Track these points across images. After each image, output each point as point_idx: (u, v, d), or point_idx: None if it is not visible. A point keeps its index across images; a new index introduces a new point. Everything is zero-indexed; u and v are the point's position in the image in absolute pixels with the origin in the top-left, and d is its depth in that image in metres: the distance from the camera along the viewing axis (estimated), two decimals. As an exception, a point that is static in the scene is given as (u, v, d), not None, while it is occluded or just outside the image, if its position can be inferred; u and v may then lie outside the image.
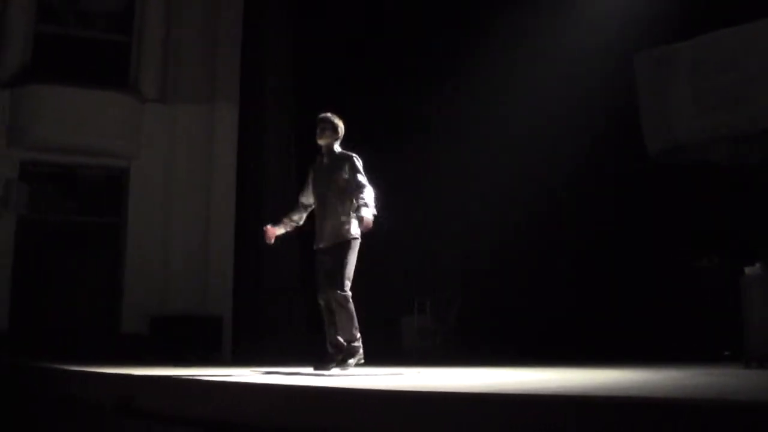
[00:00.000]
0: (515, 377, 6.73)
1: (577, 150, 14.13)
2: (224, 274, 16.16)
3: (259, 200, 16.46)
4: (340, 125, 7.88)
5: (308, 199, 7.94)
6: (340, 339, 7.46)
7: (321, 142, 7.87)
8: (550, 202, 14.80)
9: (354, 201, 7.51)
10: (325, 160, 7.87)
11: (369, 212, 7.36)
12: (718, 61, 11.45)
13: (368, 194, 7.48)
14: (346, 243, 7.58)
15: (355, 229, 7.60)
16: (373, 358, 7.74)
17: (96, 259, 16.04)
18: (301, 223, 8.06)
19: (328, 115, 7.92)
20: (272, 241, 7.90)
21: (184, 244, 16.10)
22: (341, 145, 7.93)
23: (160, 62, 16.56)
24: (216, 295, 15.98)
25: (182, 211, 16.23)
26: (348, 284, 7.45)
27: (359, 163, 7.71)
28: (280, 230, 7.96)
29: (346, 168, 7.67)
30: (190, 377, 6.82)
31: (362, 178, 7.61)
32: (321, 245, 7.70)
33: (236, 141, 16.65)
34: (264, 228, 7.97)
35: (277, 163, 16.53)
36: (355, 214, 7.47)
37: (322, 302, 7.56)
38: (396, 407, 4.36)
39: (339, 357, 7.41)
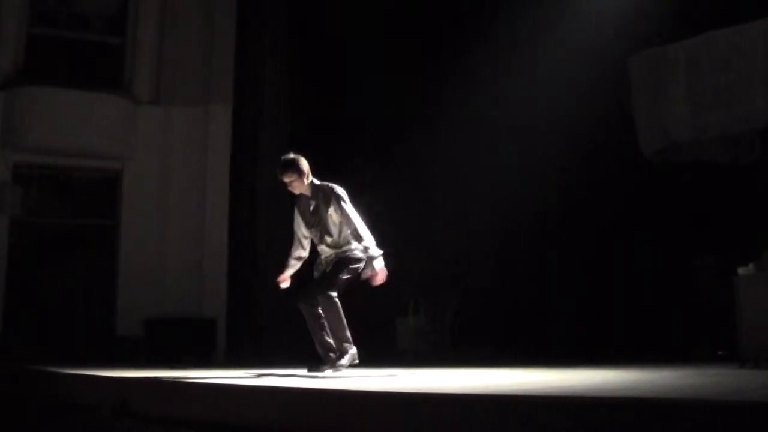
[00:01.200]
0: (510, 378, 6.73)
1: (571, 151, 14.13)
2: (218, 277, 16.14)
3: (254, 203, 16.43)
4: (302, 163, 7.52)
5: (303, 231, 7.71)
6: (329, 340, 7.43)
7: (296, 191, 7.62)
8: (546, 202, 14.79)
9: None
10: (312, 201, 7.61)
11: (380, 262, 7.37)
12: (712, 62, 11.49)
13: (368, 239, 7.39)
14: (349, 259, 7.50)
15: (357, 249, 7.51)
16: (367, 360, 7.73)
17: (90, 261, 16.01)
18: (306, 255, 7.80)
19: (286, 163, 7.53)
20: (287, 283, 7.73)
21: (178, 247, 16.08)
22: (314, 174, 7.69)
23: (154, 64, 16.55)
24: (210, 298, 15.96)
25: (176, 213, 16.21)
26: (335, 290, 7.37)
27: (343, 196, 7.52)
28: (290, 272, 7.74)
29: (332, 201, 7.49)
30: (185, 379, 6.81)
31: (353, 217, 7.44)
32: (321, 257, 7.67)
33: (230, 143, 16.62)
34: (277, 281, 7.78)
35: (272, 165, 16.43)
36: (368, 271, 7.43)
37: (303, 308, 7.48)
38: (390, 409, 4.35)
39: (332, 358, 7.39)
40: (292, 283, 7.77)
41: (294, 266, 7.80)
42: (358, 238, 7.39)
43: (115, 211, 16.24)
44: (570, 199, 14.47)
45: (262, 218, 16.10)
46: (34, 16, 16.04)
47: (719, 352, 10.57)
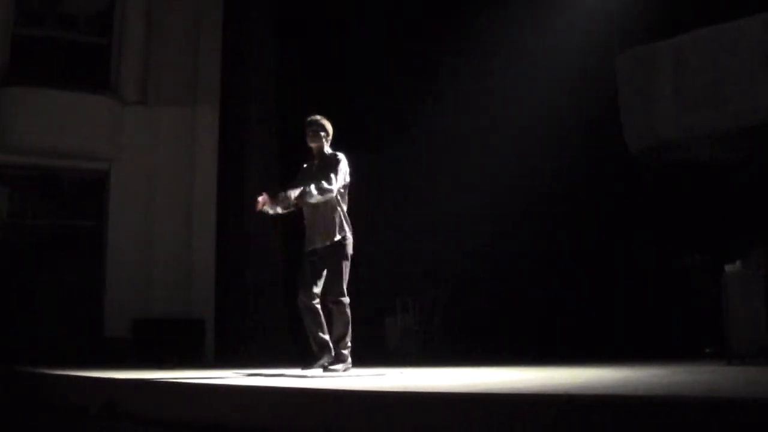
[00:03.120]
0: (498, 377, 6.73)
1: (558, 150, 14.16)
2: (206, 277, 16.11)
3: (242, 203, 16.40)
4: (329, 127, 7.87)
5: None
6: (324, 336, 7.46)
7: (311, 144, 7.85)
8: (534, 201, 14.81)
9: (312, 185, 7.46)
10: (316, 161, 7.86)
11: (294, 196, 7.47)
12: (699, 60, 11.51)
13: (318, 189, 7.42)
14: (338, 245, 7.58)
15: (347, 231, 7.64)
16: (356, 359, 7.74)
17: (77, 262, 15.94)
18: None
19: (317, 117, 7.89)
20: (259, 206, 7.70)
21: (166, 247, 16.04)
22: (331, 146, 7.91)
23: (141, 64, 16.49)
24: (198, 298, 15.93)
25: (164, 213, 16.17)
26: (345, 294, 7.51)
27: (341, 164, 7.66)
28: (268, 208, 7.70)
29: (328, 165, 7.66)
30: (174, 380, 6.80)
31: (332, 176, 7.52)
32: (312, 247, 7.68)
33: (218, 143, 16.60)
34: (261, 193, 7.80)
35: (259, 165, 16.48)
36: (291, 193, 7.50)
37: (302, 301, 7.52)
38: (379, 408, 4.35)
39: (326, 358, 7.42)
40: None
41: (282, 202, 7.68)
42: (317, 182, 7.46)
43: (103, 211, 16.19)
44: (558, 198, 14.50)
45: (249, 218, 16.07)
46: (19, 17, 15.96)
47: (707, 350, 10.60)
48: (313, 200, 7.44)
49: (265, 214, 7.96)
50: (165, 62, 16.54)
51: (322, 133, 7.81)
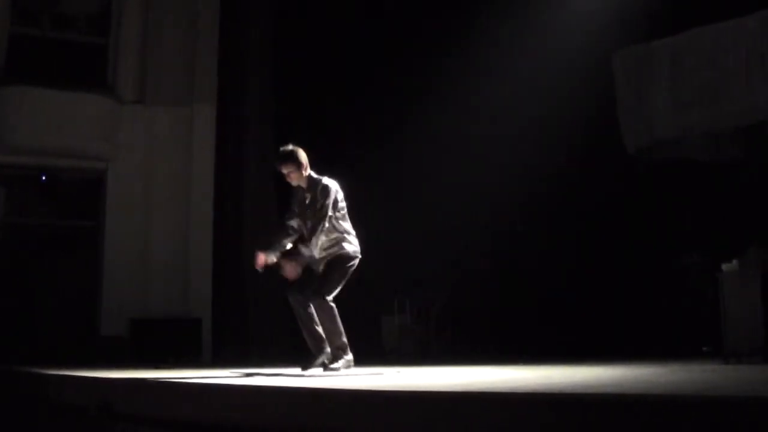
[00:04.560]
0: (495, 376, 6.74)
1: (556, 149, 14.16)
2: (204, 276, 16.09)
3: (239, 202, 16.41)
4: (301, 156, 7.57)
5: (297, 223, 7.70)
6: (318, 328, 7.43)
7: (294, 183, 7.65)
8: (532, 201, 14.82)
9: (302, 242, 7.40)
10: (308, 194, 7.63)
11: (303, 259, 7.32)
12: (696, 59, 11.52)
13: (314, 244, 7.35)
14: (342, 256, 7.54)
15: (348, 247, 7.58)
16: (353, 358, 7.73)
17: (75, 261, 15.95)
18: (298, 229, 7.74)
19: (285, 154, 7.58)
20: (261, 269, 7.60)
21: (163, 246, 16.04)
22: (312, 168, 7.71)
23: (138, 64, 16.49)
24: (196, 298, 15.92)
25: (161, 213, 16.16)
26: (330, 294, 7.43)
27: (331, 191, 7.50)
28: (271, 258, 7.55)
29: (319, 196, 7.50)
30: (171, 380, 6.79)
31: (328, 210, 7.42)
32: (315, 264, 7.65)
33: (215, 142, 16.59)
34: (256, 252, 7.64)
35: (257, 164, 16.47)
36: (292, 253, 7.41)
37: (292, 300, 7.50)
38: (376, 407, 4.35)
39: (323, 353, 7.40)
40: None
41: (278, 254, 7.61)
42: (311, 237, 7.36)
43: (100, 211, 16.18)
44: (555, 197, 14.50)
45: (247, 218, 16.09)
46: (16, 16, 15.95)
47: (704, 349, 10.61)
48: (307, 254, 7.34)
49: (271, 266, 7.70)
50: (162, 61, 16.53)
51: (298, 168, 7.54)
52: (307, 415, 4.66)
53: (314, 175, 7.65)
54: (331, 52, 16.05)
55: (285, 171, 7.56)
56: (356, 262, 7.61)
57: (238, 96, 16.88)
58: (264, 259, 7.52)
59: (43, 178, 15.97)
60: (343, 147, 15.29)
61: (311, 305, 7.44)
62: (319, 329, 7.44)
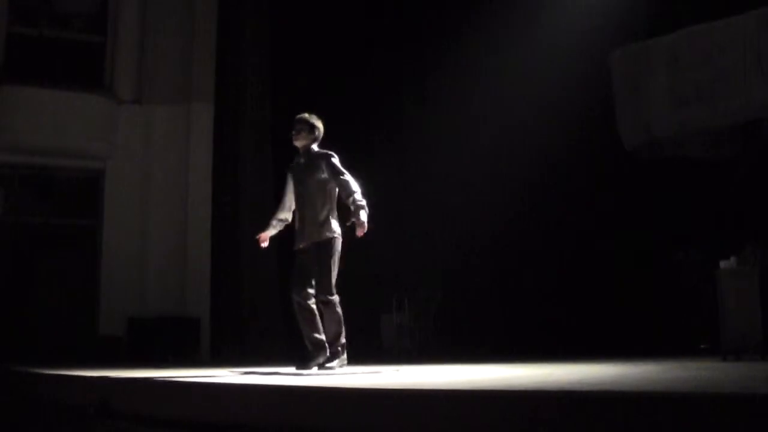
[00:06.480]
0: (494, 374, 6.74)
1: (553, 146, 14.17)
2: (202, 275, 16.07)
3: (236, 200, 16.40)
4: (318, 125, 7.80)
5: (291, 201, 7.84)
6: (319, 336, 7.45)
7: (297, 143, 7.79)
8: (529, 198, 14.84)
9: (349, 203, 7.48)
10: (302, 160, 7.80)
11: (365, 215, 7.40)
12: (693, 57, 11.56)
13: (360, 195, 7.49)
14: (327, 243, 7.55)
15: (336, 228, 7.61)
16: (351, 357, 7.74)
17: (72, 260, 15.93)
18: (290, 219, 7.92)
19: (305, 115, 7.82)
20: (267, 243, 7.87)
21: (160, 245, 16.03)
22: (319, 145, 7.88)
23: (136, 63, 16.47)
24: (194, 296, 15.91)
25: (159, 212, 16.15)
26: (333, 290, 7.46)
27: (336, 160, 7.66)
28: (271, 232, 7.88)
29: (323, 167, 7.63)
30: (169, 379, 6.79)
31: (346, 176, 7.58)
32: (302, 245, 7.67)
33: (212, 141, 16.57)
34: (256, 237, 7.89)
35: (254, 163, 16.47)
36: (353, 218, 7.44)
37: (296, 301, 7.52)
38: (375, 406, 4.35)
39: (321, 357, 7.41)
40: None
41: (276, 227, 7.94)
42: (350, 190, 7.50)
43: (98, 210, 16.17)
44: (552, 195, 14.51)
45: (245, 216, 16.07)
46: (13, 16, 15.93)
47: (702, 346, 10.62)
48: (366, 214, 7.46)
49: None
50: (160, 61, 16.52)
51: (310, 132, 7.75)
52: (306, 414, 4.67)
53: (316, 148, 7.83)
54: (328, 51, 16.05)
55: (297, 127, 7.77)
56: (339, 245, 7.65)
57: (235, 95, 16.87)
58: (265, 236, 7.86)
59: (41, 177, 15.97)
60: (339, 146, 15.28)
61: (316, 314, 7.47)
62: (320, 336, 7.47)
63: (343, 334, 7.52)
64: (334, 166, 7.62)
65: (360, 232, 7.43)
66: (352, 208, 7.45)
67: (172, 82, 16.52)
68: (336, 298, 7.47)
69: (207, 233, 16.27)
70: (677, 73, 11.72)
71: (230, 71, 16.90)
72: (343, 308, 7.57)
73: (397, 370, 7.83)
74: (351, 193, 7.48)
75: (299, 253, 7.68)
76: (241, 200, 16.39)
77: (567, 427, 3.49)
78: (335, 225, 7.62)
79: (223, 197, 16.49)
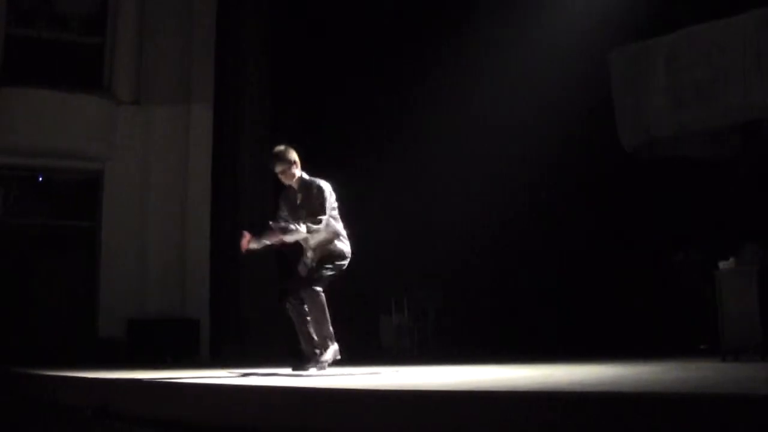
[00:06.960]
0: (493, 375, 6.74)
1: (552, 147, 14.16)
2: (201, 277, 16.06)
3: (235, 202, 16.39)
4: (294, 156, 7.66)
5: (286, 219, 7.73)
6: (315, 336, 7.42)
7: (286, 181, 7.71)
8: (528, 199, 14.83)
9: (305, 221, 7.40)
10: (299, 194, 7.69)
11: (289, 237, 7.33)
12: (692, 57, 11.55)
13: (307, 230, 7.32)
14: (333, 253, 7.54)
15: (344, 246, 7.59)
16: (351, 357, 7.74)
17: (71, 262, 15.91)
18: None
19: (280, 152, 7.66)
20: (244, 250, 7.70)
21: (160, 247, 16.00)
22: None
23: (134, 64, 16.44)
24: (193, 298, 15.89)
25: (158, 213, 16.12)
26: (320, 284, 7.41)
27: (326, 192, 7.55)
28: (254, 245, 7.66)
29: (313, 200, 7.53)
30: (168, 380, 6.79)
31: (327, 210, 7.47)
32: (306, 257, 7.66)
33: (211, 143, 16.55)
34: (242, 232, 7.76)
35: (253, 165, 16.45)
36: (282, 226, 7.41)
37: (289, 304, 7.49)
38: (374, 406, 4.35)
39: (317, 356, 7.39)
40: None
41: (262, 244, 7.71)
42: (314, 221, 7.37)
43: (97, 211, 16.14)
44: (551, 196, 14.51)
45: (244, 217, 16.05)
46: (12, 17, 15.91)
47: (701, 346, 10.62)
48: (298, 237, 7.38)
49: (254, 252, 7.83)
50: (158, 62, 16.49)
51: (289, 167, 7.62)
52: (305, 415, 4.66)
53: (306, 176, 7.71)
54: (327, 52, 16.05)
55: (278, 169, 7.66)
56: (347, 262, 7.62)
57: (234, 96, 16.86)
58: (249, 239, 7.64)
59: (40, 178, 15.97)
60: (340, 147, 15.30)
61: (308, 313, 7.42)
62: (315, 338, 7.43)
63: (329, 321, 7.40)
64: (321, 197, 7.51)
65: (272, 237, 7.44)
66: (297, 225, 7.34)
67: (172, 83, 16.49)
68: (319, 289, 7.39)
69: (206, 234, 16.26)
70: (677, 73, 11.72)
71: (230, 72, 16.89)
72: (343, 309, 7.56)
73: (397, 371, 7.83)
74: (312, 222, 7.37)
75: (301, 260, 7.69)
76: (240, 200, 16.38)
77: (567, 427, 3.48)
78: (339, 244, 7.59)
79: (223, 198, 16.48)
